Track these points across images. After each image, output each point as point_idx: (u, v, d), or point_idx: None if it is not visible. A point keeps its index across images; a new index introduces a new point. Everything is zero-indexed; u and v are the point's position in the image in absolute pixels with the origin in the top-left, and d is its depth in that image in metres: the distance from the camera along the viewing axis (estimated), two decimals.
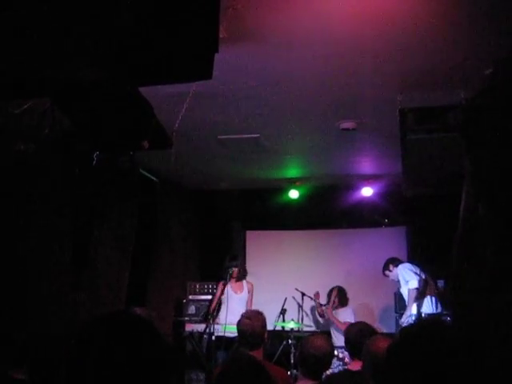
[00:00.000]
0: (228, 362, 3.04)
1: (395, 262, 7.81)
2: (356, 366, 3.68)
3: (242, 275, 7.96)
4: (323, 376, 3.66)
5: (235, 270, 7.80)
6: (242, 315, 4.03)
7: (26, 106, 3.28)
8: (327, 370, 3.80)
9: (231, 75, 4.63)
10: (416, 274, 7.31)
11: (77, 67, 2.59)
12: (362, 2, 3.57)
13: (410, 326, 1.97)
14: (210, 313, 7.70)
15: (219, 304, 7.69)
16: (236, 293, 7.80)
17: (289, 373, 6.24)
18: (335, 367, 5.37)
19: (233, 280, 7.83)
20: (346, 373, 3.76)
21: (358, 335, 3.82)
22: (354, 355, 3.85)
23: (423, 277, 7.29)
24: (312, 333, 7.65)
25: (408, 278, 7.36)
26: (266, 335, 3.96)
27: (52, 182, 5.27)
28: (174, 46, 2.35)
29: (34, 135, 3.74)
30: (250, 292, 7.94)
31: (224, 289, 7.63)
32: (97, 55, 2.47)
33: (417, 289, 7.21)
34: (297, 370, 6.60)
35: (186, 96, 4.45)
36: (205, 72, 2.37)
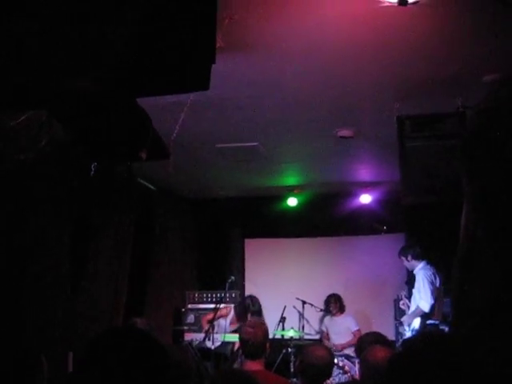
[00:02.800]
0: (219, 375, 3.03)
1: (418, 255, 7.55)
2: None
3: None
4: None
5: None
6: (245, 324, 4.02)
7: (22, 118, 3.28)
8: (328, 379, 3.78)
9: (229, 84, 4.63)
10: (432, 283, 7.18)
11: (73, 79, 2.58)
12: (360, 12, 3.58)
13: (413, 337, 1.96)
14: (204, 325, 7.74)
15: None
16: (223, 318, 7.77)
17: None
18: (335, 375, 5.35)
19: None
20: (352, 383, 3.75)
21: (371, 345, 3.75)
22: None
23: (437, 285, 7.18)
24: (313, 341, 7.64)
25: (423, 295, 7.17)
26: (267, 345, 3.94)
27: (50, 192, 5.26)
28: (171, 58, 2.34)
29: (32, 146, 3.73)
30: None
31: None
32: (94, 67, 2.47)
33: (425, 313, 7.11)
34: (297, 379, 6.58)
35: (184, 105, 4.45)
36: (202, 83, 2.36)
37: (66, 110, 2.86)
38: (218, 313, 7.58)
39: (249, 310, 7.77)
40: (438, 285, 7.23)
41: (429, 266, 7.42)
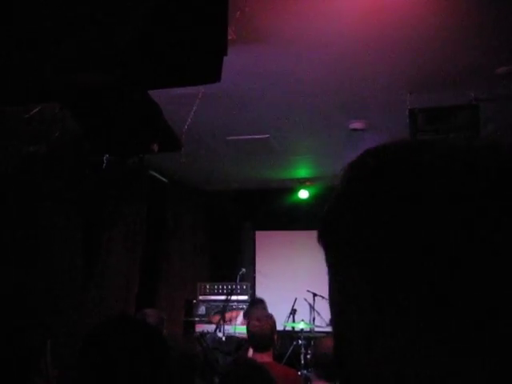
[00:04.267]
0: (231, 366, 3.05)
1: None
2: None
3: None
4: None
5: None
6: (252, 317, 4.03)
7: (35, 111, 3.30)
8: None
9: (240, 76, 4.63)
10: None
11: (86, 71, 2.59)
12: (373, 3, 3.56)
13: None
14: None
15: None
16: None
17: (299, 373, 6.22)
18: None
19: None
20: None
21: None
22: None
23: None
24: (324, 333, 7.64)
25: None
26: (275, 337, 3.95)
27: (62, 184, 5.29)
28: (183, 50, 2.35)
29: (45, 139, 3.75)
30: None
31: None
32: (106, 59, 2.48)
33: None
34: (307, 371, 6.59)
35: (194, 97, 4.46)
36: (213, 75, 2.37)
37: (78, 103, 2.88)
38: (227, 316, 7.63)
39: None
40: None
41: None
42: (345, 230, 0.58)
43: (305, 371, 6.61)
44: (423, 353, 0.51)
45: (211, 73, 2.38)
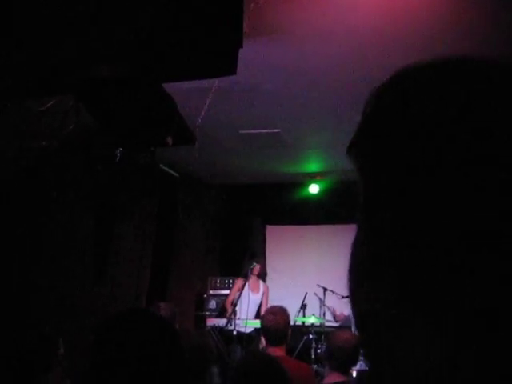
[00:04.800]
0: (244, 358, 3.05)
1: None
2: None
3: (263, 273, 7.90)
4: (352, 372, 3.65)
5: (258, 265, 7.72)
6: (267, 311, 4.03)
7: (49, 104, 3.30)
8: (355, 364, 3.78)
9: (252, 70, 4.61)
10: None
11: (101, 64, 2.59)
12: None
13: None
14: (227, 308, 7.69)
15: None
16: (253, 292, 7.65)
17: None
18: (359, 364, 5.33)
19: (253, 277, 7.73)
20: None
21: None
22: None
23: None
24: (335, 328, 7.63)
25: None
26: (289, 331, 3.95)
27: (74, 179, 5.30)
28: (200, 42, 2.34)
29: (58, 133, 3.76)
30: (265, 294, 7.80)
31: (244, 285, 7.43)
32: (121, 52, 2.47)
33: None
34: (318, 365, 6.59)
35: (207, 91, 4.45)
36: (229, 67, 2.36)
37: (93, 96, 2.88)
38: (234, 289, 7.58)
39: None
40: None
41: None
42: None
43: (315, 366, 6.61)
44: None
45: (227, 65, 2.38)
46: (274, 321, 3.83)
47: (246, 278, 7.40)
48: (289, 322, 3.99)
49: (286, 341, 3.93)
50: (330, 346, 3.59)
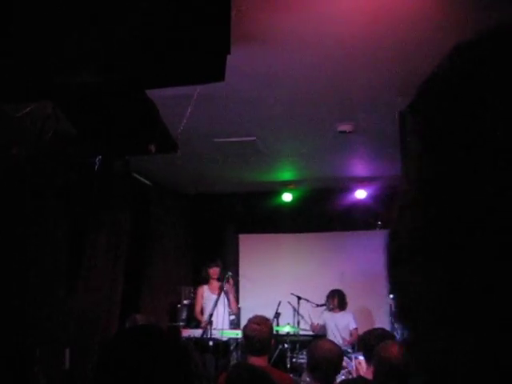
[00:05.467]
0: (233, 369, 2.99)
1: None
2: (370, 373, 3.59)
3: (221, 276, 7.88)
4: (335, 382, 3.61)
5: (216, 269, 7.77)
6: (249, 320, 3.98)
7: (27, 110, 3.21)
8: (337, 374, 3.74)
9: (227, 77, 4.56)
10: None
11: (81, 71, 2.53)
12: (362, 5, 3.54)
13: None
14: (199, 318, 7.70)
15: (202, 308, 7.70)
16: (214, 294, 7.65)
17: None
18: (341, 374, 5.30)
19: (213, 281, 7.85)
20: (360, 379, 3.71)
21: (378, 340, 3.67)
22: (370, 361, 3.70)
23: None
24: (310, 336, 7.61)
25: None
26: (272, 341, 3.91)
27: (47, 188, 5.18)
28: (187, 49, 2.30)
29: (34, 139, 3.66)
30: (229, 290, 7.78)
31: (202, 291, 7.70)
32: (104, 58, 2.41)
33: None
34: (293, 375, 6.54)
35: (184, 98, 4.39)
36: (218, 74, 2.32)
37: (73, 102, 2.80)
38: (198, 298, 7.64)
39: None
40: None
41: None
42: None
43: (291, 375, 6.57)
44: None
45: (215, 72, 2.33)
46: (259, 330, 3.78)
47: (206, 282, 7.50)
48: (272, 331, 3.95)
49: (269, 350, 3.89)
50: (313, 357, 3.54)
